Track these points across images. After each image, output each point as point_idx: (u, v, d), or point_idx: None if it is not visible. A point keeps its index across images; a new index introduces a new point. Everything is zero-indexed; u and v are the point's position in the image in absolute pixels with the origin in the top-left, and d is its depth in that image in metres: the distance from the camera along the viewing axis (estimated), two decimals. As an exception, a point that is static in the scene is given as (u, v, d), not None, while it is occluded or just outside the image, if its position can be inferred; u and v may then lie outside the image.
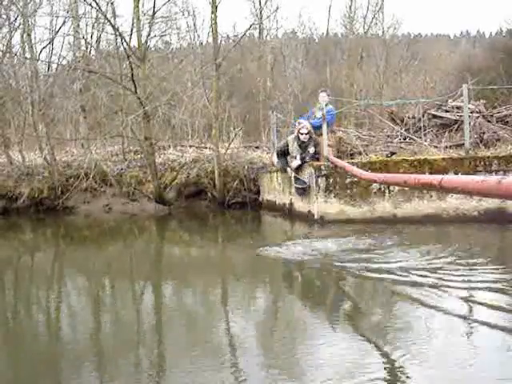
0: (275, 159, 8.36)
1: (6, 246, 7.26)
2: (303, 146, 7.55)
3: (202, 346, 2.56)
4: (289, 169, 7.81)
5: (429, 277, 3.70)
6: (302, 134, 7.54)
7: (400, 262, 4.27)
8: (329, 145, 7.55)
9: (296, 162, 7.53)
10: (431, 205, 6.74)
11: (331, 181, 7.03)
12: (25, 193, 11.30)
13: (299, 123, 7.84)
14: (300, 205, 7.76)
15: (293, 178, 7.72)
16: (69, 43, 15.24)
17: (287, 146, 7.76)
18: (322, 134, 7.47)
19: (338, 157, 7.47)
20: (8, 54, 12.78)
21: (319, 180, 7.05)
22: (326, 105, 7.86)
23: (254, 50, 20.07)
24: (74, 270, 5.15)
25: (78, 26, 13.36)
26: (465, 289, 3.42)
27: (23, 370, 2.43)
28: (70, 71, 12.75)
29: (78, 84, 12.25)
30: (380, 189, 6.87)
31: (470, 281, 3.61)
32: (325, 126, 7.45)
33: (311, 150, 7.51)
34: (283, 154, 7.88)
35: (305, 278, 4.26)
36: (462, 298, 3.20)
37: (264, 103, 17.73)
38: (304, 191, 7.44)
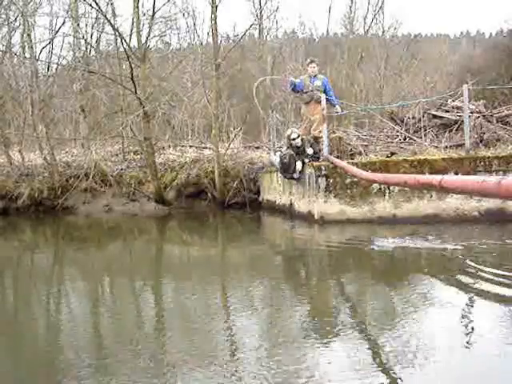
0: (274, 159, 8.31)
1: (5, 246, 7.26)
2: (300, 151, 7.50)
3: (202, 346, 2.56)
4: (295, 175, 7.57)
5: None
6: (293, 140, 7.45)
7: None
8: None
9: (299, 164, 7.48)
10: (431, 205, 6.73)
11: (331, 181, 7.02)
12: (25, 193, 11.30)
13: (287, 136, 7.65)
14: (300, 205, 7.75)
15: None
16: (69, 43, 15.29)
17: (287, 159, 7.50)
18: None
19: (337, 157, 7.46)
20: (8, 54, 12.79)
21: (319, 180, 7.05)
22: (315, 75, 7.92)
23: (254, 50, 20.07)
24: (73, 270, 5.14)
25: (78, 26, 13.36)
26: None
27: (23, 370, 2.43)
28: (70, 71, 12.76)
29: (77, 84, 12.24)
30: (380, 189, 6.86)
31: None
32: (325, 126, 7.44)
33: (309, 151, 7.48)
34: (287, 167, 7.58)
35: (307, 275, 4.25)
36: None
37: (264, 103, 17.72)
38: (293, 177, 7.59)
